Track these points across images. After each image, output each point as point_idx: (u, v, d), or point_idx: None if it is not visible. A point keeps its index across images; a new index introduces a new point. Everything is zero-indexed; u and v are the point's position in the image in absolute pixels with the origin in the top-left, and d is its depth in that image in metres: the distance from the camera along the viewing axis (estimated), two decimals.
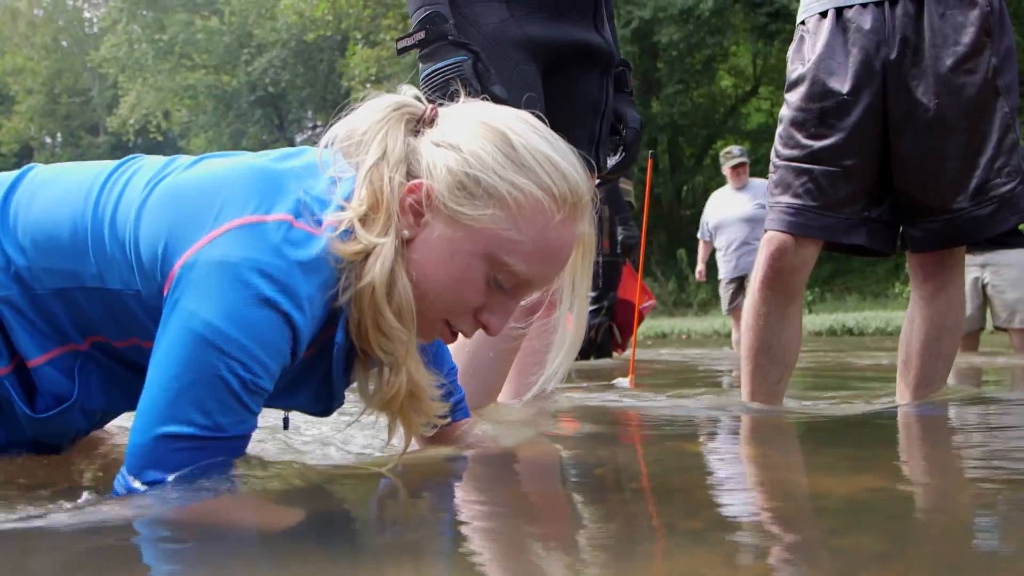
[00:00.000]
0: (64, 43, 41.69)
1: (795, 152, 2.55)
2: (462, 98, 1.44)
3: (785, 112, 2.59)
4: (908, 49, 2.43)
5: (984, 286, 6.01)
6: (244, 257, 1.22)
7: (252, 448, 1.71)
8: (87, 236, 1.33)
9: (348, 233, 1.29)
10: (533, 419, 2.36)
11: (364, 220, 1.30)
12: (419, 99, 1.43)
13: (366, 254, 1.29)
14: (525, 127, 1.35)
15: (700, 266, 8.54)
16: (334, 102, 33.05)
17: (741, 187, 7.87)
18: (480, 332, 1.42)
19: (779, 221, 2.55)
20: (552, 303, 1.52)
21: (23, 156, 38.20)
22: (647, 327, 10.81)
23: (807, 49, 2.57)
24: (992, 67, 2.39)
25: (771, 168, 2.63)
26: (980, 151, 2.42)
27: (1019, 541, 1.03)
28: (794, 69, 2.58)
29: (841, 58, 2.49)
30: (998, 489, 1.36)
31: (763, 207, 2.80)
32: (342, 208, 1.31)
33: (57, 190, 1.38)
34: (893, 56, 2.43)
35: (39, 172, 1.44)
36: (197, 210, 1.28)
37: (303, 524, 1.18)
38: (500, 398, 2.56)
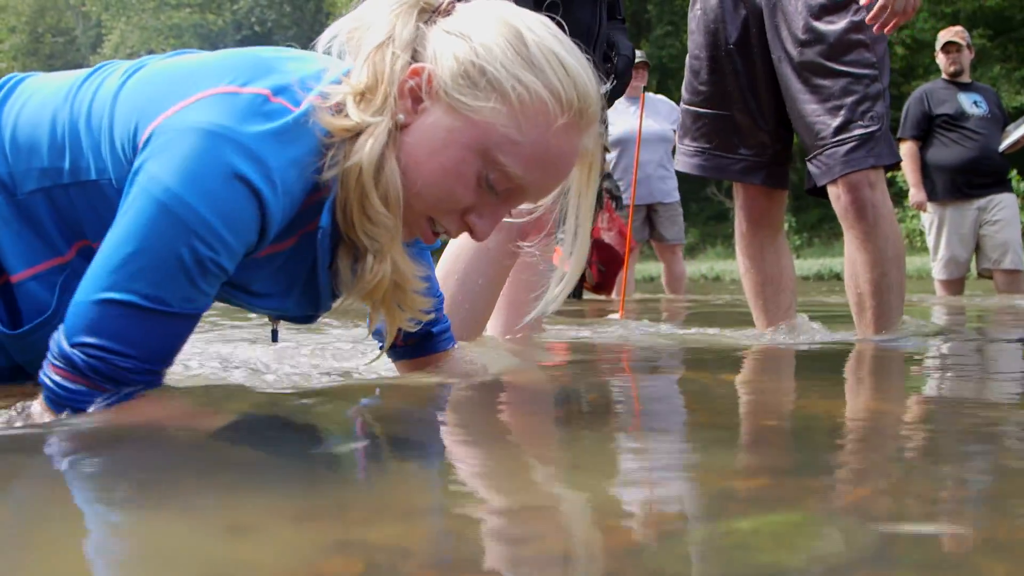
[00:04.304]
0: None
1: (692, 97, 2.80)
2: None
3: (687, 59, 2.81)
4: (779, 1, 2.59)
5: (980, 227, 6.00)
6: (214, 123, 1.16)
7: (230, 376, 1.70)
8: (64, 132, 1.29)
9: (340, 110, 1.24)
10: (522, 350, 2.35)
11: (360, 98, 1.26)
12: None
13: (357, 132, 1.25)
14: (543, 29, 1.30)
15: None
16: None
17: (635, 100, 6.30)
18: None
19: (681, 163, 2.86)
20: (544, 222, 1.48)
21: None
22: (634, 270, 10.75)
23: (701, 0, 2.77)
24: (855, 22, 2.51)
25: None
26: (845, 94, 2.53)
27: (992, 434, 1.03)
28: (693, 17, 2.78)
29: (731, 7, 2.68)
30: (967, 408, 1.37)
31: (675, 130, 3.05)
32: (338, 82, 1.27)
33: (40, 96, 1.36)
34: (764, 5, 2.61)
35: (29, 83, 1.42)
36: (171, 88, 1.23)
37: (275, 443, 1.17)
38: (488, 332, 2.55)
